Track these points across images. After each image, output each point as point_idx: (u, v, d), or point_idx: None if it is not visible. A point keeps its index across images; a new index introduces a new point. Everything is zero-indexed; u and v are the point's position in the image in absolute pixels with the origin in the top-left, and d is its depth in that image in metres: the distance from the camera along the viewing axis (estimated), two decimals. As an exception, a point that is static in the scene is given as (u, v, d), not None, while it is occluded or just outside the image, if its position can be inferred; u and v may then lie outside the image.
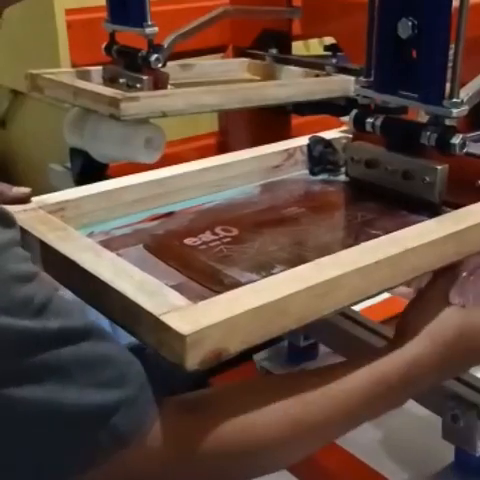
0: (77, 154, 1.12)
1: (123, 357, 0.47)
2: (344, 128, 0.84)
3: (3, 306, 0.41)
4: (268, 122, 1.26)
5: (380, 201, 0.72)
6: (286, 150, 0.80)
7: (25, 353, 0.42)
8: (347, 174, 0.79)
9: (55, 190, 1.19)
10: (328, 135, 0.83)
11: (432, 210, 0.69)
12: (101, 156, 1.09)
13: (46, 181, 1.24)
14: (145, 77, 1.05)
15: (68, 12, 1.22)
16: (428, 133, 0.69)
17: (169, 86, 1.08)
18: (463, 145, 0.68)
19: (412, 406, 0.77)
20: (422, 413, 0.76)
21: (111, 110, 0.97)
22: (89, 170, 1.12)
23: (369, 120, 0.74)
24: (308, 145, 0.81)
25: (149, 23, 1.03)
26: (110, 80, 1.11)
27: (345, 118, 0.81)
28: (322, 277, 0.51)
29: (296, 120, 1.32)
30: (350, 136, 0.79)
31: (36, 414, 0.42)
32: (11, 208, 0.62)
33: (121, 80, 1.08)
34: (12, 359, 0.42)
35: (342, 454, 0.89)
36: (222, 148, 1.31)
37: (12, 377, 0.42)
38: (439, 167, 0.69)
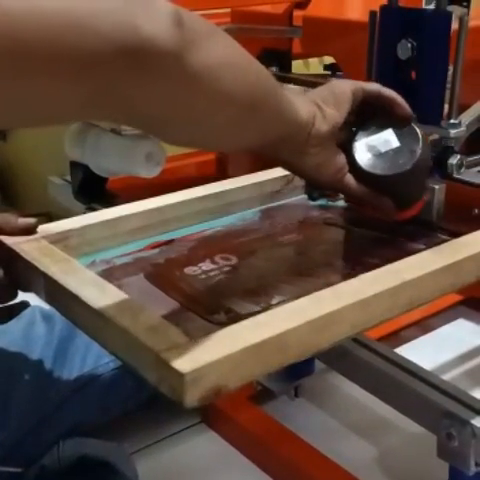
0: (77, 167, 1.13)
1: None
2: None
3: None
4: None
5: (378, 227, 0.72)
6: (285, 176, 0.80)
7: None
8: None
9: (55, 203, 1.21)
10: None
11: (429, 230, 0.70)
12: (101, 170, 1.09)
13: (46, 194, 1.24)
14: (146, 92, 1.06)
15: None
16: (426, 153, 0.70)
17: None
18: (460, 166, 0.69)
19: (407, 424, 0.77)
20: (417, 431, 0.76)
21: (112, 124, 0.98)
22: (89, 183, 1.13)
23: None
24: None
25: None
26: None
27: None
28: (321, 311, 0.51)
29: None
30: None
31: None
32: (15, 239, 0.63)
33: (123, 95, 1.09)
34: None
35: (337, 471, 0.89)
36: (222, 163, 1.32)
37: None
38: (437, 186, 0.70)
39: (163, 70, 0.42)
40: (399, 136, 0.64)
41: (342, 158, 0.63)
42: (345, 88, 0.62)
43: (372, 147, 0.64)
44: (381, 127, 0.64)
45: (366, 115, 0.64)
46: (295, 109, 0.57)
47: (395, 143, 0.64)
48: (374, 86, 0.64)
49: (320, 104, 0.61)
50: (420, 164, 0.63)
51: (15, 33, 0.36)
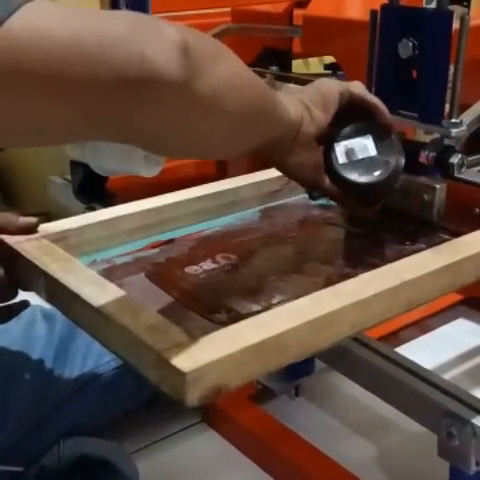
0: (77, 167, 1.13)
1: None
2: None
3: None
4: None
5: (378, 227, 0.72)
6: (284, 176, 0.80)
7: None
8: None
9: (55, 203, 1.21)
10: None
11: (430, 230, 0.70)
12: (101, 169, 1.09)
13: (46, 194, 1.24)
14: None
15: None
16: (427, 152, 0.70)
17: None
18: (462, 165, 0.69)
19: (408, 423, 0.77)
20: (417, 430, 0.76)
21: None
22: (89, 183, 1.13)
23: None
24: None
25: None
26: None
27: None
28: (321, 311, 0.51)
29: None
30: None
31: None
32: (16, 239, 0.63)
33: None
34: None
35: (337, 470, 0.89)
36: (221, 163, 1.31)
37: None
38: (438, 186, 0.70)
39: (169, 98, 0.43)
40: (377, 144, 0.65)
41: (321, 156, 0.64)
42: (333, 89, 0.63)
43: (350, 151, 0.65)
44: (362, 131, 0.66)
45: (348, 116, 0.65)
46: (287, 111, 0.58)
47: (372, 151, 0.65)
48: (359, 89, 0.64)
49: (308, 105, 0.61)
50: (393, 175, 0.65)
51: (18, 57, 0.37)
